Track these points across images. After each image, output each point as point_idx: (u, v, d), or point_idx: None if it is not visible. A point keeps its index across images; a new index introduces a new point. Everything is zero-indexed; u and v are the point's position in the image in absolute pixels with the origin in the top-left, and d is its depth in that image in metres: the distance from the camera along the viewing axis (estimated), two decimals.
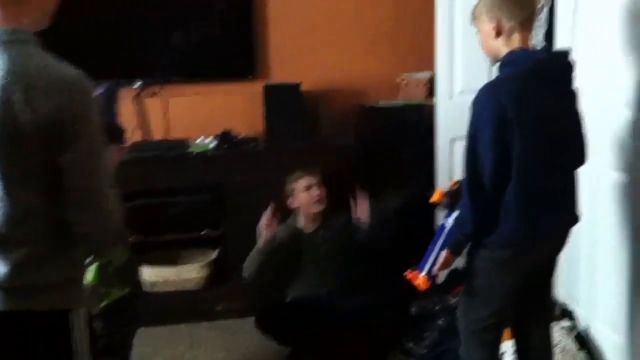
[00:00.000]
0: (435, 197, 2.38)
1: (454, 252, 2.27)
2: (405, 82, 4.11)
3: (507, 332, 2.53)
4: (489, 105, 2.07)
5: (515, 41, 2.15)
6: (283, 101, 3.87)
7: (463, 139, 3.35)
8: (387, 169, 3.94)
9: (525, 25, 2.16)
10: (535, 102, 2.10)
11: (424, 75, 3.97)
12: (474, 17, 2.24)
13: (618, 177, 2.64)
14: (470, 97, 2.17)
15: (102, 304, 2.16)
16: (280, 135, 3.84)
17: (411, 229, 3.61)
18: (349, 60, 4.26)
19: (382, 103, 4.07)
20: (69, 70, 1.48)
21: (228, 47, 4.14)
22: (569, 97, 2.23)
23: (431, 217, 3.56)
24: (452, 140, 3.61)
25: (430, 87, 3.92)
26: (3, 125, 1.41)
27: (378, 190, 3.97)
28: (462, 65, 3.60)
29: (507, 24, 2.13)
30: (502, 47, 2.16)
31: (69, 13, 3.82)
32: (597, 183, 2.76)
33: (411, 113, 3.89)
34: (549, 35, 3.07)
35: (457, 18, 3.58)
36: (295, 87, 3.88)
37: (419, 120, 3.82)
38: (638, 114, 2.50)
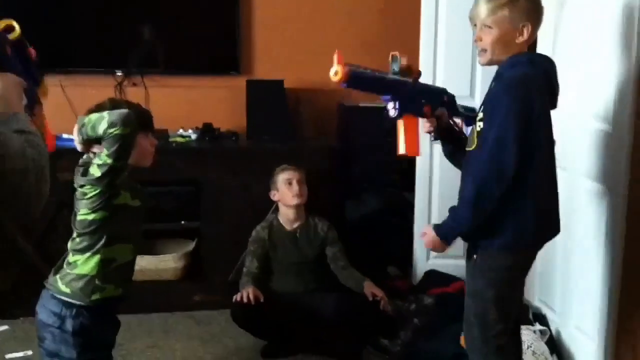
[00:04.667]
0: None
1: (445, 240, 2.19)
2: None
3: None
4: (519, 98, 2.09)
5: (526, 46, 2.25)
6: (266, 97, 3.89)
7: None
8: (367, 169, 3.99)
9: None
10: (551, 101, 2.20)
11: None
12: (492, 12, 2.15)
13: (592, 186, 2.72)
14: None
15: (93, 298, 2.07)
16: (261, 131, 3.85)
17: (390, 230, 3.68)
18: (332, 60, 4.27)
19: (363, 104, 4.10)
20: None
21: (212, 41, 4.14)
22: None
23: (410, 219, 3.61)
24: (432, 142, 3.68)
25: None
26: None
27: (358, 190, 4.02)
28: (444, 70, 3.67)
29: (534, 31, 2.21)
30: (520, 50, 2.19)
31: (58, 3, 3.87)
32: (573, 191, 2.82)
33: None
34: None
35: (440, 27, 3.64)
36: (279, 83, 3.90)
37: None
38: (608, 126, 2.59)
